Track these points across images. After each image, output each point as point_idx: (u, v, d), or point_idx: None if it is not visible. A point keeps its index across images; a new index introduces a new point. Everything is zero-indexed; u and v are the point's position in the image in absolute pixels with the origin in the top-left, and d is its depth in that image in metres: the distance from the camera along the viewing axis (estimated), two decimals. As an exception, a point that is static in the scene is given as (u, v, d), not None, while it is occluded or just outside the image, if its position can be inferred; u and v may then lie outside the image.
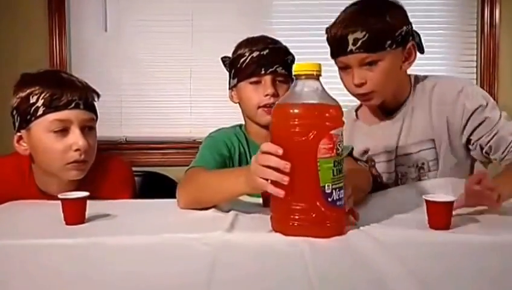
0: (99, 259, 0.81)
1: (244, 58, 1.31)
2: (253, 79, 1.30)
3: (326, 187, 0.86)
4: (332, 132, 0.86)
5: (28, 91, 1.19)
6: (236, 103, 1.38)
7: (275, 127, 0.92)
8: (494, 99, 2.26)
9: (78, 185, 1.24)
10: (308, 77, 0.91)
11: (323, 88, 0.92)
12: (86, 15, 2.19)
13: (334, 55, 1.24)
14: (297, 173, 0.85)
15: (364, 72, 1.20)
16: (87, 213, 1.02)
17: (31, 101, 1.19)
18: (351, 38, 1.17)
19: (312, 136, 0.85)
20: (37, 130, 1.20)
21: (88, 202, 1.02)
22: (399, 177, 1.33)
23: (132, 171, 1.40)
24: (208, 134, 1.38)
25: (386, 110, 1.34)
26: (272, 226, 0.93)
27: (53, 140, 1.19)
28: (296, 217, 0.87)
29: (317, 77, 0.91)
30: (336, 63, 1.26)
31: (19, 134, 1.24)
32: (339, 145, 0.88)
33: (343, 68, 1.24)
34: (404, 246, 0.82)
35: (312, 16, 2.15)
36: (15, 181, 1.29)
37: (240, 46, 1.36)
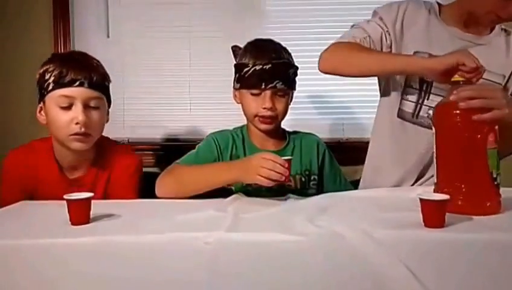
0: (103, 258, 0.82)
1: (248, 68, 1.36)
2: (254, 91, 1.37)
3: (493, 173, 1.04)
4: (496, 127, 1.05)
5: (45, 68, 1.33)
6: (238, 103, 1.45)
7: (444, 124, 1.08)
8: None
9: (93, 162, 1.42)
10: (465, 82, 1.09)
11: None
12: (89, 23, 2.25)
13: None
14: (469, 160, 1.04)
15: None
16: (92, 213, 1.04)
17: (46, 77, 1.32)
18: None
19: (485, 130, 1.03)
20: (49, 104, 1.33)
21: (92, 202, 1.04)
22: None
23: (141, 161, 1.51)
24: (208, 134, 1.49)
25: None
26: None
27: (59, 113, 1.32)
28: (461, 197, 1.03)
29: None
30: None
31: (40, 105, 1.37)
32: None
33: None
34: (400, 244, 0.84)
35: (304, 21, 2.19)
36: (46, 164, 1.40)
37: (245, 52, 1.41)
